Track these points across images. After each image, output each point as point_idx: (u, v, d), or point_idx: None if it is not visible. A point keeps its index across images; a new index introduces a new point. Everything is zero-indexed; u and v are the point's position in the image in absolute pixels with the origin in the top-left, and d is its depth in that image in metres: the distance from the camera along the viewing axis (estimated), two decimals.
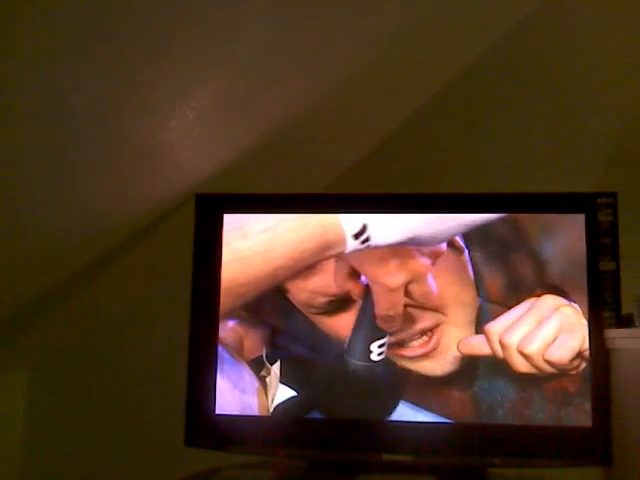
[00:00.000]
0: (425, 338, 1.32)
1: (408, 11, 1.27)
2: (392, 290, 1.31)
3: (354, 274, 1.33)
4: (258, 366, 1.36)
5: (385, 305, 1.32)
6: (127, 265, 1.65)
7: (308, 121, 1.44)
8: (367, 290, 1.33)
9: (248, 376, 1.37)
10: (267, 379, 1.36)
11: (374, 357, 1.33)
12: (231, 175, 1.47)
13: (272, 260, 1.34)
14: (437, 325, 1.32)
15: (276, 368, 1.36)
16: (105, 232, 1.46)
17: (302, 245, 1.33)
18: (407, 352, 1.32)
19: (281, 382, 1.35)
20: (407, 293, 1.32)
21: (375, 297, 1.32)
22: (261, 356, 1.37)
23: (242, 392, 1.36)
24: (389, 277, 1.31)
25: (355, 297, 1.33)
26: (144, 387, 1.79)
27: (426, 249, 1.32)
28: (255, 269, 1.35)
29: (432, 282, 1.32)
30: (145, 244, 1.60)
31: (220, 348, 1.37)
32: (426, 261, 1.32)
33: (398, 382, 1.33)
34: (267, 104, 1.35)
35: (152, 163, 1.33)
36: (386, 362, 1.33)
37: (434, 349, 1.31)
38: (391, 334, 1.33)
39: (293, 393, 1.35)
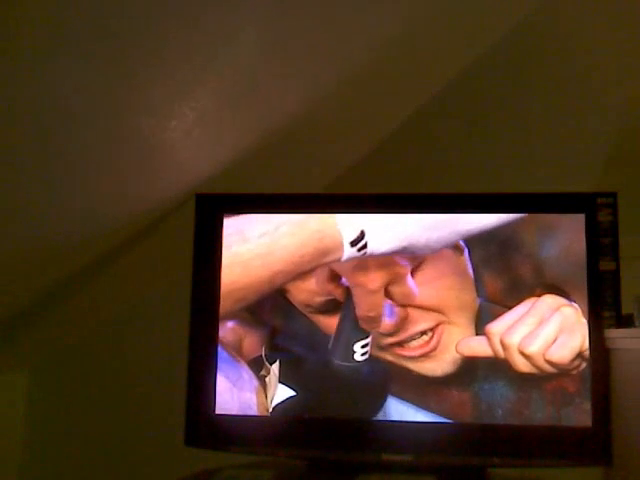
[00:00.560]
0: (425, 338, 1.32)
1: (408, 11, 1.27)
2: (372, 292, 1.32)
3: (335, 277, 1.34)
4: (257, 366, 1.36)
5: (366, 307, 1.32)
6: (127, 265, 1.65)
7: (308, 121, 1.44)
8: (348, 292, 1.33)
9: (247, 376, 1.36)
10: (266, 379, 1.36)
11: (357, 357, 1.33)
12: (231, 175, 1.47)
13: (271, 264, 1.35)
14: (437, 325, 1.32)
15: (275, 368, 1.35)
16: (105, 232, 1.46)
17: (301, 249, 1.34)
18: (406, 352, 1.32)
19: (280, 382, 1.35)
20: (388, 294, 1.32)
21: (356, 299, 1.33)
22: (260, 356, 1.37)
23: (242, 392, 1.36)
24: (368, 279, 1.32)
25: (340, 299, 1.34)
26: (144, 387, 1.79)
27: (409, 254, 1.32)
28: (254, 273, 1.36)
29: (412, 283, 1.32)
30: (145, 244, 1.60)
31: (220, 348, 1.37)
32: (404, 263, 1.32)
33: (384, 380, 1.33)
34: (267, 104, 1.35)
35: (152, 163, 1.33)
36: (370, 361, 1.33)
37: (434, 349, 1.32)
38: (391, 334, 1.33)
39: (292, 393, 1.35)
